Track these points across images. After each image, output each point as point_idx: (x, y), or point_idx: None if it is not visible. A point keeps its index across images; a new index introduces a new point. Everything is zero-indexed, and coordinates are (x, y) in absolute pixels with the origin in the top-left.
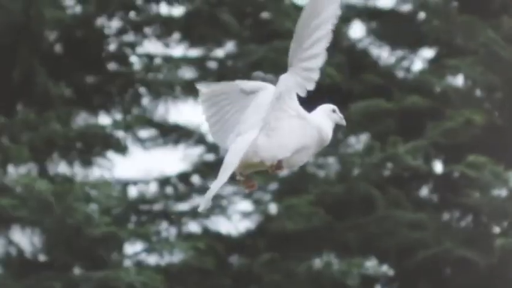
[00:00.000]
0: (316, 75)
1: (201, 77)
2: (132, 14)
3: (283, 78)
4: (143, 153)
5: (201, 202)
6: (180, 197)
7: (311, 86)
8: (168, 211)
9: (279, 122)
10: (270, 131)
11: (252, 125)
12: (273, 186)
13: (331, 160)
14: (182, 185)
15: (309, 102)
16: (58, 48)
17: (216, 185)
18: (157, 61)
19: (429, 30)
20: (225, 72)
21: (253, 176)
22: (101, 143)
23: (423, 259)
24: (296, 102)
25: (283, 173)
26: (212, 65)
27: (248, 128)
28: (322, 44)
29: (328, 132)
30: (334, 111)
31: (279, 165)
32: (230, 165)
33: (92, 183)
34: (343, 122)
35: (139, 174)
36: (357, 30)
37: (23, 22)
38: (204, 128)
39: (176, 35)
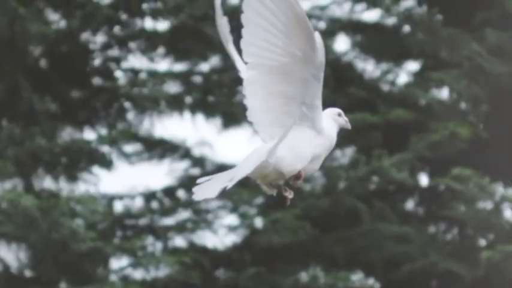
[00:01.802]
0: None
1: (186, 91)
2: (116, 29)
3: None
4: (128, 168)
5: (200, 191)
6: (166, 212)
7: None
8: (153, 226)
9: (296, 132)
10: (289, 142)
11: (271, 136)
12: (259, 200)
13: (317, 173)
14: (168, 199)
15: None
16: (43, 63)
17: (218, 185)
18: (142, 76)
19: (414, 43)
20: (210, 86)
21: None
22: (86, 158)
23: (409, 272)
24: (318, 113)
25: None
26: (197, 79)
27: (268, 137)
28: None
29: (335, 137)
30: (339, 114)
31: (298, 175)
32: (240, 172)
33: (78, 198)
34: (348, 126)
35: (125, 189)
36: (341, 43)
37: (8, 37)
38: (189, 142)
39: (161, 50)
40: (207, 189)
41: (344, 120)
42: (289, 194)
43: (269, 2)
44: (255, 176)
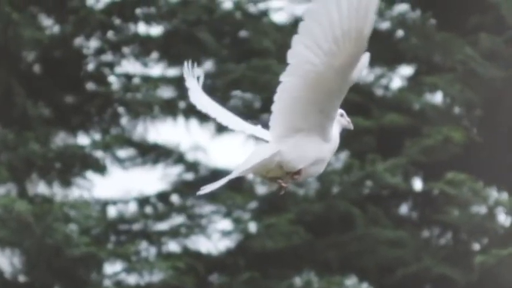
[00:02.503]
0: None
1: (179, 96)
2: (110, 34)
3: None
4: (122, 173)
5: (206, 187)
6: (160, 217)
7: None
8: (147, 231)
9: (305, 135)
10: (296, 143)
11: (281, 135)
12: (253, 205)
13: (311, 178)
14: (161, 204)
15: None
16: (36, 68)
17: (228, 177)
18: (136, 81)
19: (407, 48)
20: (204, 91)
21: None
22: (80, 163)
23: (403, 277)
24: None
25: (301, 179)
26: None
27: (277, 136)
28: None
29: (338, 139)
30: (342, 115)
31: (298, 172)
32: (244, 166)
33: (71, 203)
34: (351, 126)
35: (119, 194)
36: None
37: (1, 43)
38: (183, 147)
39: (154, 55)
40: (212, 185)
41: (346, 121)
42: (285, 183)
43: (336, 14)
44: (257, 171)
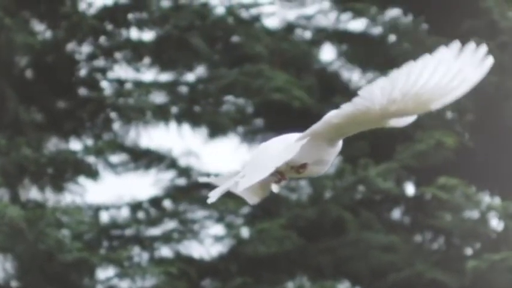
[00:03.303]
0: None
1: (171, 101)
2: (102, 39)
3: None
4: (114, 178)
5: (214, 193)
6: (152, 222)
7: None
8: (140, 236)
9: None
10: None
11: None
12: (245, 210)
13: (303, 183)
14: (154, 209)
15: (279, 125)
16: (29, 73)
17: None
18: (128, 86)
19: (399, 52)
20: (196, 96)
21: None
22: (72, 169)
23: (395, 281)
24: None
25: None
26: (183, 89)
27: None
28: None
29: (341, 143)
30: None
31: (303, 166)
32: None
33: (64, 208)
34: None
35: (111, 199)
36: (327, 53)
37: None
38: (175, 152)
39: (147, 60)
40: (219, 189)
41: None
42: (285, 178)
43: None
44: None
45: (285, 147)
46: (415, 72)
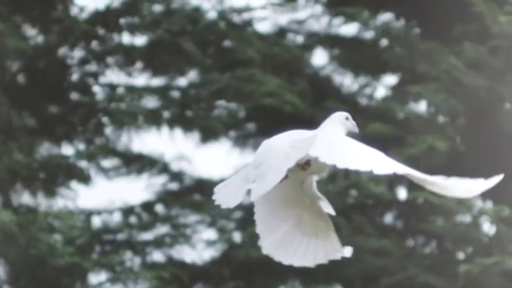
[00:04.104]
0: None
1: (163, 106)
2: (94, 44)
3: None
4: (106, 183)
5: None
6: (144, 227)
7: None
8: (132, 241)
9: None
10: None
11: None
12: (237, 214)
13: None
14: (146, 214)
15: (271, 130)
16: (21, 78)
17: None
18: (120, 91)
19: (391, 57)
20: (188, 101)
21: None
22: (64, 173)
23: (388, 285)
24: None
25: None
26: (175, 94)
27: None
28: None
29: None
30: (347, 118)
31: (308, 162)
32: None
33: (56, 213)
34: (356, 130)
35: (103, 204)
36: (319, 57)
37: None
38: (167, 157)
39: (139, 64)
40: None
41: (352, 124)
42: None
43: None
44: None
45: (292, 146)
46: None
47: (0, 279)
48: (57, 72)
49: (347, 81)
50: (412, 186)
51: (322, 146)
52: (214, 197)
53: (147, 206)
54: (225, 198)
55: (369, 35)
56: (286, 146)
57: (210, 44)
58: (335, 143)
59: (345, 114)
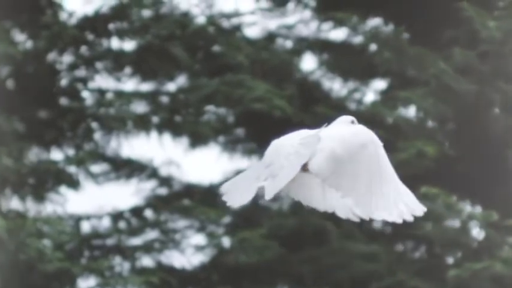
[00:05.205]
0: None
1: (152, 111)
2: (83, 49)
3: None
4: (96, 188)
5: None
6: (133, 232)
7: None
8: (121, 246)
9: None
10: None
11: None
12: (226, 219)
13: (284, 193)
14: (135, 219)
15: (260, 135)
16: (10, 83)
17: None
18: (109, 96)
19: (380, 62)
20: (177, 106)
21: None
22: (53, 179)
23: None
24: None
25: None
26: (164, 99)
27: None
28: None
29: None
30: (353, 122)
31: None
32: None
33: (45, 218)
34: None
35: (92, 209)
36: (308, 62)
37: None
38: (156, 162)
39: (128, 70)
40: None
41: None
42: None
43: None
44: None
45: (302, 143)
46: None
47: None
48: (46, 78)
49: (336, 86)
50: None
51: (325, 162)
52: (223, 196)
53: (136, 211)
54: (234, 197)
55: (358, 40)
56: (295, 144)
57: (199, 49)
58: (340, 160)
59: (350, 118)
